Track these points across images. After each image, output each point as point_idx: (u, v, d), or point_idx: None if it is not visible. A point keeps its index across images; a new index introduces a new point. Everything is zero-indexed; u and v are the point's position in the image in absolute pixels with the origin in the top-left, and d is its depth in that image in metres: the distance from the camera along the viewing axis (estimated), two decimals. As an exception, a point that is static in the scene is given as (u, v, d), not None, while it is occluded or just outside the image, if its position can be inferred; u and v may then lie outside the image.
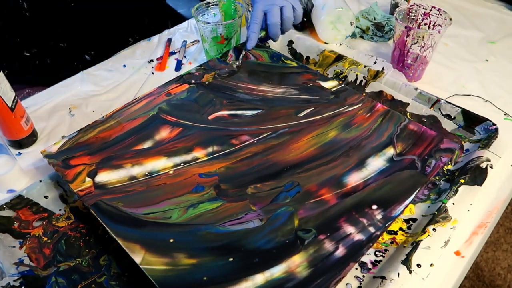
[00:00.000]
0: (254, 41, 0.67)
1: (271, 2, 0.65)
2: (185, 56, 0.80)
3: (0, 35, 0.75)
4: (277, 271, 0.42)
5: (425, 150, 0.54)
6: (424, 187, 0.52)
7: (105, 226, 0.45)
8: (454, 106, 0.61)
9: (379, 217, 0.46)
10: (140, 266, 0.42)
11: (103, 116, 0.59)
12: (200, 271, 0.42)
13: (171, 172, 0.51)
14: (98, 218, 0.46)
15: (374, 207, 0.47)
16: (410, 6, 0.71)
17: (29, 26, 0.75)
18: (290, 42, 0.77)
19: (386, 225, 0.46)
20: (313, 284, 0.40)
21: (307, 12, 0.85)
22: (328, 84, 0.65)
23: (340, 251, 0.43)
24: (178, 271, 0.41)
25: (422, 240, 0.45)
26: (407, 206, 0.48)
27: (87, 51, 0.83)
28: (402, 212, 0.47)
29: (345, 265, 0.42)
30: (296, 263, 0.42)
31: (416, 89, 0.64)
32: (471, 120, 0.60)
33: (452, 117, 0.62)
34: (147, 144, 0.55)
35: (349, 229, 0.45)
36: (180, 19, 0.94)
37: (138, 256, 0.43)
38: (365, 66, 0.69)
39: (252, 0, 0.67)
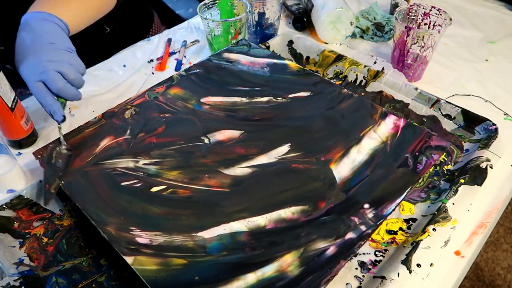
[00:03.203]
0: (61, 111, 0.54)
1: (42, 69, 0.53)
2: (185, 56, 0.80)
3: None
4: (268, 270, 0.42)
5: (416, 147, 0.54)
6: (416, 186, 0.53)
7: (96, 226, 0.45)
8: (454, 106, 0.61)
9: (370, 215, 0.46)
10: (132, 266, 0.42)
11: (95, 117, 0.59)
12: (192, 271, 0.42)
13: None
14: (89, 218, 0.46)
15: (366, 205, 0.47)
16: (410, 6, 0.71)
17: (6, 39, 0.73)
18: (290, 42, 0.77)
19: (378, 223, 0.46)
20: (304, 282, 0.41)
21: (307, 12, 0.85)
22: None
23: (331, 250, 0.43)
24: (170, 272, 0.41)
25: (422, 240, 0.45)
26: (398, 204, 0.48)
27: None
28: (393, 211, 0.47)
29: (336, 263, 0.42)
30: (288, 262, 0.42)
31: (416, 89, 0.64)
32: (471, 120, 0.60)
33: (452, 117, 0.62)
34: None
35: (341, 227, 0.46)
36: (179, 20, 0.94)
37: (130, 256, 0.43)
38: (365, 66, 0.69)
39: (25, 80, 0.55)
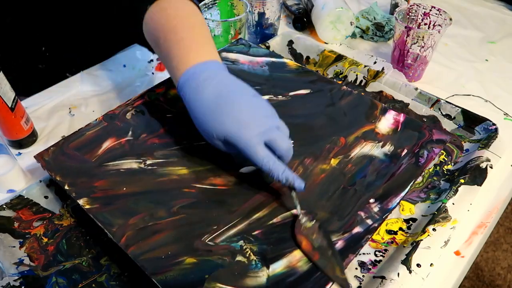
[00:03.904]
0: (298, 177, 0.44)
1: (265, 127, 0.44)
2: (185, 56, 0.80)
3: None
4: (278, 266, 0.42)
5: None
6: (416, 187, 0.53)
7: (103, 228, 0.45)
8: (454, 106, 0.61)
9: (376, 209, 0.47)
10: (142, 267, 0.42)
11: (96, 119, 0.59)
12: (202, 269, 0.42)
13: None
14: (97, 222, 0.46)
15: (371, 200, 0.48)
16: (410, 6, 0.71)
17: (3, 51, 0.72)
18: (290, 42, 0.77)
19: (383, 217, 0.46)
20: (314, 277, 0.41)
21: (307, 12, 0.85)
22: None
23: (340, 244, 0.44)
24: (180, 271, 0.41)
25: (422, 240, 0.46)
26: (403, 198, 0.48)
27: (69, 69, 0.79)
28: (398, 204, 0.48)
29: (344, 257, 0.42)
30: (297, 258, 0.43)
31: (416, 89, 0.64)
32: (471, 120, 0.60)
33: (452, 117, 0.62)
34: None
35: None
36: None
37: None
38: (365, 66, 0.69)
39: (233, 142, 0.44)
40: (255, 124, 0.44)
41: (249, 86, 0.48)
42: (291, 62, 0.68)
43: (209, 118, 0.45)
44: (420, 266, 0.44)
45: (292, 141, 0.54)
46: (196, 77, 0.47)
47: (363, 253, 0.47)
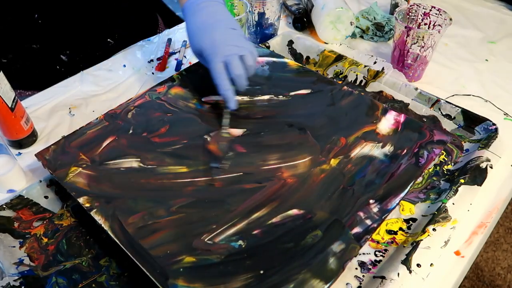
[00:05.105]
0: (234, 99, 0.56)
1: (229, 53, 0.54)
2: (185, 56, 0.80)
3: None
4: None
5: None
6: (416, 187, 0.53)
7: (106, 229, 0.45)
8: (454, 106, 0.61)
9: (375, 210, 0.47)
10: (143, 267, 0.42)
11: (97, 118, 0.59)
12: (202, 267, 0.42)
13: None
14: (98, 221, 0.46)
15: (371, 200, 0.48)
16: (410, 6, 0.71)
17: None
18: (290, 42, 0.77)
19: (383, 217, 0.46)
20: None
21: (307, 12, 0.85)
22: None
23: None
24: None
25: (422, 240, 0.46)
26: (402, 198, 0.48)
27: (62, 51, 0.79)
28: (397, 205, 0.48)
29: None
30: None
31: (416, 89, 0.64)
32: (471, 120, 0.60)
33: (452, 117, 0.62)
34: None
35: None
36: (178, 21, 0.94)
37: None
38: (365, 66, 0.69)
39: (205, 57, 0.56)
40: (221, 48, 0.55)
41: (232, 19, 0.59)
42: (292, 62, 0.68)
43: (194, 36, 0.57)
44: (420, 266, 0.44)
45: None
46: (195, 5, 0.58)
47: (363, 253, 0.47)
